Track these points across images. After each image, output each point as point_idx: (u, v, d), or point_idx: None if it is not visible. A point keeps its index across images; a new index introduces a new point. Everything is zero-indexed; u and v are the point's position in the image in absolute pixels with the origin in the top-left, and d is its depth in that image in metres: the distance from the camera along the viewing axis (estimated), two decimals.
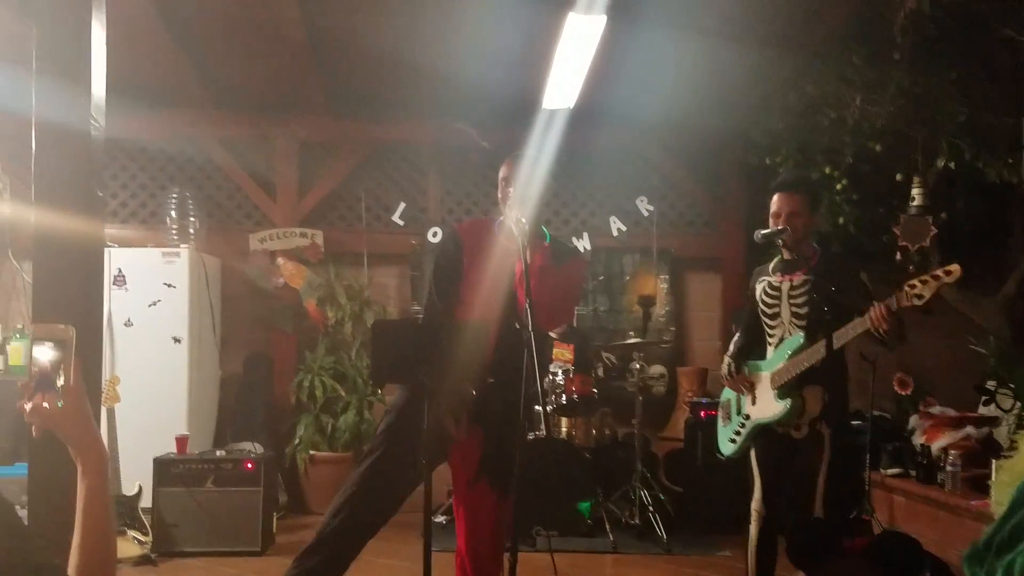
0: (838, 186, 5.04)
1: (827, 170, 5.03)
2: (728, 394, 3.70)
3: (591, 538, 5.24)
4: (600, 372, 6.35)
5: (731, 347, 3.67)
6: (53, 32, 2.40)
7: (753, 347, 3.61)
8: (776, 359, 3.45)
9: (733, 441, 3.59)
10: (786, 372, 3.36)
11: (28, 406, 1.34)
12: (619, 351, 6.33)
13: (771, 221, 3.40)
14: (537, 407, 4.13)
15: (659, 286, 6.63)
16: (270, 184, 6.42)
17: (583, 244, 6.58)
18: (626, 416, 5.83)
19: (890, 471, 5.11)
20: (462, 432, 2.94)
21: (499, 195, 3.11)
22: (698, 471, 5.66)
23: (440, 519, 5.41)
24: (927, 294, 3.03)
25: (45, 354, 1.35)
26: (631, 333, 6.05)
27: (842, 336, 3.17)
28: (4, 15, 3.83)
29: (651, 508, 5.33)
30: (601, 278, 6.67)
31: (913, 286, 3.05)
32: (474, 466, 3.03)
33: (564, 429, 5.62)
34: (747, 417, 3.55)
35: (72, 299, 2.37)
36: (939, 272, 3.05)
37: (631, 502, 5.46)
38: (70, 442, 1.37)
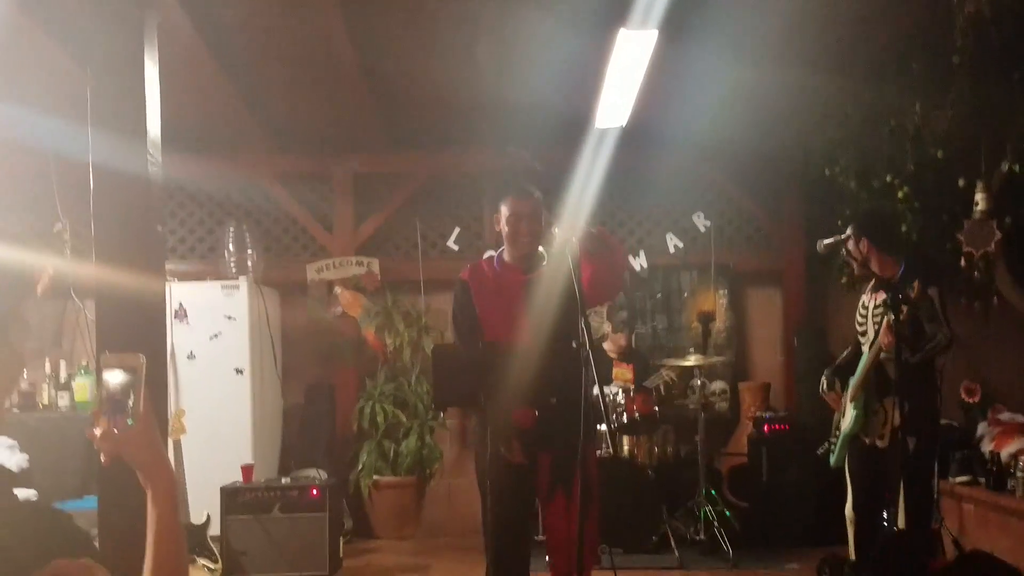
0: (900, 194, 4.91)
1: (888, 178, 4.89)
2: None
3: (657, 555, 5.19)
4: (661, 390, 6.23)
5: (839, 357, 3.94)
6: (107, 76, 2.42)
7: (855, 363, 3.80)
8: (856, 374, 3.68)
9: (832, 452, 3.84)
10: (856, 385, 3.62)
11: (98, 432, 1.33)
12: (680, 369, 6.20)
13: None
14: (601, 426, 4.07)
15: (718, 302, 6.51)
16: (326, 216, 6.51)
17: (639, 262, 6.50)
18: (689, 434, 5.76)
19: (959, 479, 4.95)
20: (516, 456, 2.96)
21: (504, 229, 3.19)
22: (763, 486, 5.55)
23: None
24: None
25: (115, 379, 1.36)
26: (691, 350, 5.93)
27: (872, 356, 3.48)
28: (61, 61, 3.92)
29: (716, 524, 5.27)
30: (659, 296, 6.58)
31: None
32: (547, 487, 3.08)
33: (626, 448, 5.54)
34: (837, 427, 3.80)
35: (135, 334, 2.38)
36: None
37: (696, 518, 5.41)
38: (140, 468, 1.37)
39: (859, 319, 3.74)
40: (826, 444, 3.92)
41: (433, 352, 2.94)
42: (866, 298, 3.72)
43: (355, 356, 6.37)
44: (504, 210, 3.20)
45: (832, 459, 3.85)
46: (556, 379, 2.85)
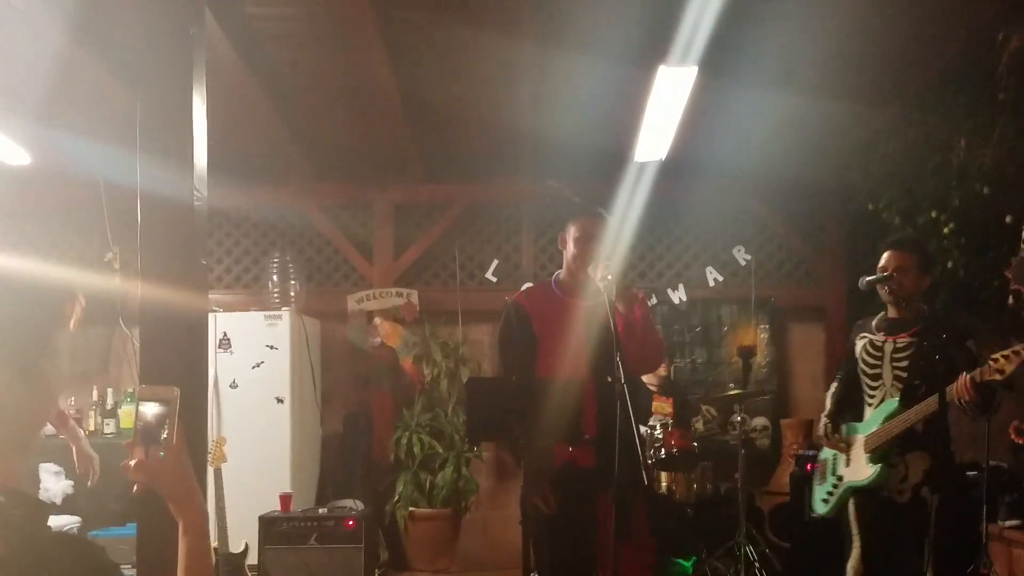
0: (945, 230, 4.83)
1: (933, 214, 4.82)
2: (828, 453, 3.63)
3: None
4: (700, 425, 6.16)
5: (828, 404, 3.61)
6: (157, 105, 2.50)
7: (849, 404, 3.56)
8: (872, 422, 3.41)
9: (826, 501, 3.53)
10: (879, 436, 3.34)
11: (132, 463, 1.37)
12: (719, 403, 6.13)
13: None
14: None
15: (759, 336, 6.43)
16: (367, 246, 6.59)
17: (679, 295, 6.47)
18: (728, 470, 5.65)
19: (1009, 523, 4.80)
20: (552, 508, 2.88)
21: (570, 250, 3.06)
22: (806, 526, 5.40)
23: None
24: (1008, 369, 2.98)
25: (150, 410, 1.39)
26: (731, 385, 5.87)
27: (922, 410, 3.16)
28: (112, 89, 4.03)
29: (757, 564, 5.16)
30: (698, 329, 6.54)
31: (996, 360, 3.00)
32: (612, 529, 2.89)
33: (664, 484, 5.45)
34: (840, 478, 3.49)
35: (178, 363, 2.42)
36: (1021, 347, 2.97)
37: (736, 559, 5.27)
38: (171, 499, 1.40)
39: (868, 359, 3.43)
40: (826, 490, 3.56)
41: (467, 384, 2.91)
42: (877, 338, 3.42)
43: (393, 386, 6.40)
44: (573, 230, 3.09)
45: (825, 509, 3.52)
46: (609, 415, 2.74)
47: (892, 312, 3.42)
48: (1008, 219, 4.60)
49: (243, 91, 4.55)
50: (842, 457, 3.49)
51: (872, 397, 3.42)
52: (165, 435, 1.38)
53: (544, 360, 3.00)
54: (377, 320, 6.32)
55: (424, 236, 6.57)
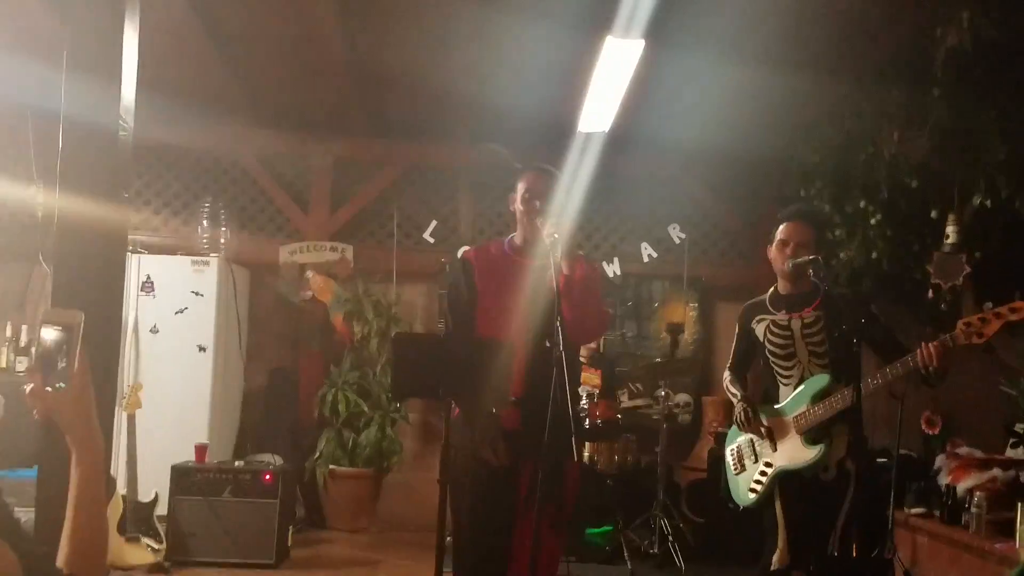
0: (872, 220, 4.94)
1: (862, 204, 4.93)
2: (736, 439, 3.48)
3: (610, 565, 5.20)
4: (625, 398, 6.24)
5: (735, 390, 3.46)
6: (86, 31, 2.38)
7: (742, 384, 3.47)
8: (797, 402, 3.28)
9: (754, 491, 3.34)
10: (815, 416, 3.20)
11: (29, 389, 1.32)
12: (645, 377, 6.22)
13: (776, 249, 3.30)
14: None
15: (688, 314, 6.52)
16: (303, 198, 6.48)
17: (613, 269, 6.52)
18: (650, 444, 5.76)
19: (914, 510, 4.96)
20: (503, 459, 2.86)
21: (517, 207, 3.01)
22: (720, 502, 5.53)
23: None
24: (989, 332, 2.91)
25: (50, 335, 1.33)
26: (658, 360, 5.93)
27: (887, 376, 3.05)
28: (36, 10, 3.83)
29: (671, 538, 5.26)
30: (630, 304, 6.61)
31: (969, 324, 2.92)
32: (529, 498, 2.89)
33: (587, 454, 5.52)
34: (768, 465, 3.32)
35: (91, 297, 2.34)
36: (1004, 309, 2.93)
37: (651, 531, 5.39)
38: (67, 429, 1.35)
39: (776, 340, 3.28)
40: (752, 479, 3.36)
41: (394, 340, 2.86)
42: (779, 317, 3.29)
43: (322, 342, 6.32)
44: (520, 187, 3.03)
45: (753, 499, 3.33)
46: (540, 379, 2.69)
47: (785, 288, 3.31)
48: (933, 213, 4.73)
49: (182, 27, 4.40)
50: (763, 442, 3.33)
51: (787, 378, 3.30)
52: (65, 363, 1.32)
53: (483, 316, 2.98)
54: (309, 273, 6.23)
55: (363, 192, 6.48)
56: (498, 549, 2.92)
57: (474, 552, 2.91)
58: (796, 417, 3.25)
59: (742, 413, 3.34)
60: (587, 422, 5.32)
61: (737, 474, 3.44)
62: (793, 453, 3.25)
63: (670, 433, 5.62)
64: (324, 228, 6.42)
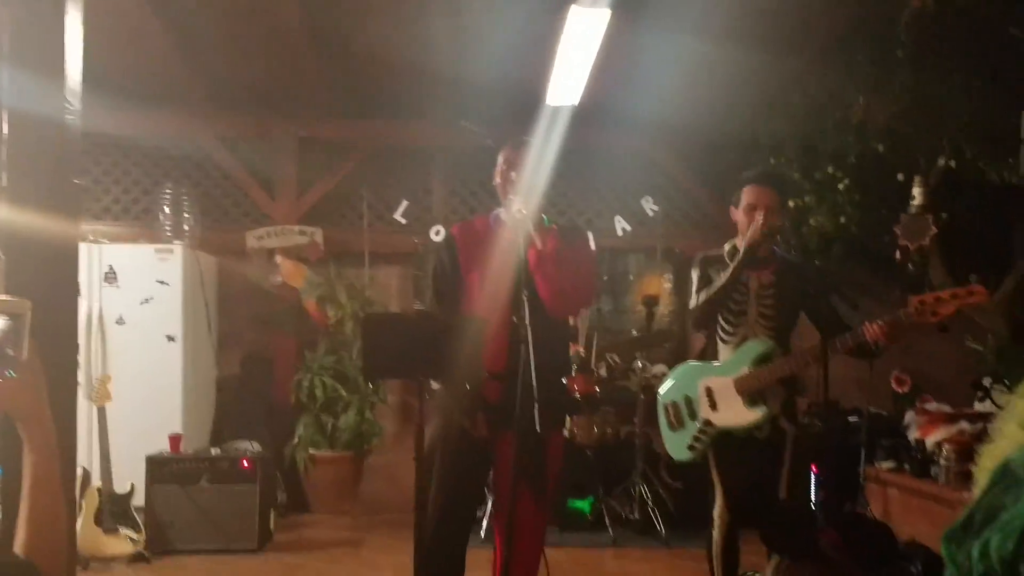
0: (841, 186, 4.98)
1: (830, 170, 4.95)
2: (672, 396, 3.47)
3: (591, 533, 5.30)
4: (603, 372, 6.25)
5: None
6: (27, 16, 2.32)
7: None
8: (738, 363, 3.28)
9: (693, 448, 3.35)
10: (757, 379, 3.21)
11: None
12: (622, 350, 6.23)
13: (744, 213, 3.31)
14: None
15: (663, 286, 6.54)
16: (268, 181, 6.41)
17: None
18: (628, 415, 5.79)
19: (885, 465, 5.11)
20: (480, 430, 2.88)
21: (497, 181, 3.00)
22: (698, 469, 5.59)
23: None
24: (944, 312, 2.94)
25: None
26: (634, 333, 5.96)
27: (836, 348, 3.09)
28: None
29: (651, 504, 5.38)
30: (605, 278, 6.64)
31: (924, 302, 2.94)
32: (509, 471, 2.88)
33: (566, 428, 5.54)
34: (709, 424, 3.32)
35: (45, 289, 2.29)
36: (962, 291, 2.96)
37: (632, 498, 5.50)
38: (16, 416, 1.36)
39: (735, 296, 3.26)
40: (692, 440, 3.35)
41: (364, 321, 2.85)
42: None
43: (295, 327, 6.29)
44: (500, 160, 3.02)
45: (691, 456, 3.36)
46: (518, 352, 2.68)
47: (750, 248, 3.26)
48: (900, 177, 4.76)
49: (131, 7, 4.29)
50: (699, 400, 3.33)
51: (731, 335, 3.30)
52: (13, 352, 1.32)
53: (468, 292, 2.99)
54: (279, 258, 6.16)
55: (330, 174, 6.42)
56: (467, 520, 2.95)
57: (442, 521, 2.91)
58: (738, 379, 3.25)
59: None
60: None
61: (674, 431, 3.43)
62: (735, 413, 3.26)
63: (647, 404, 5.64)
64: (292, 212, 6.35)
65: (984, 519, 1.15)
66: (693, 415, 3.36)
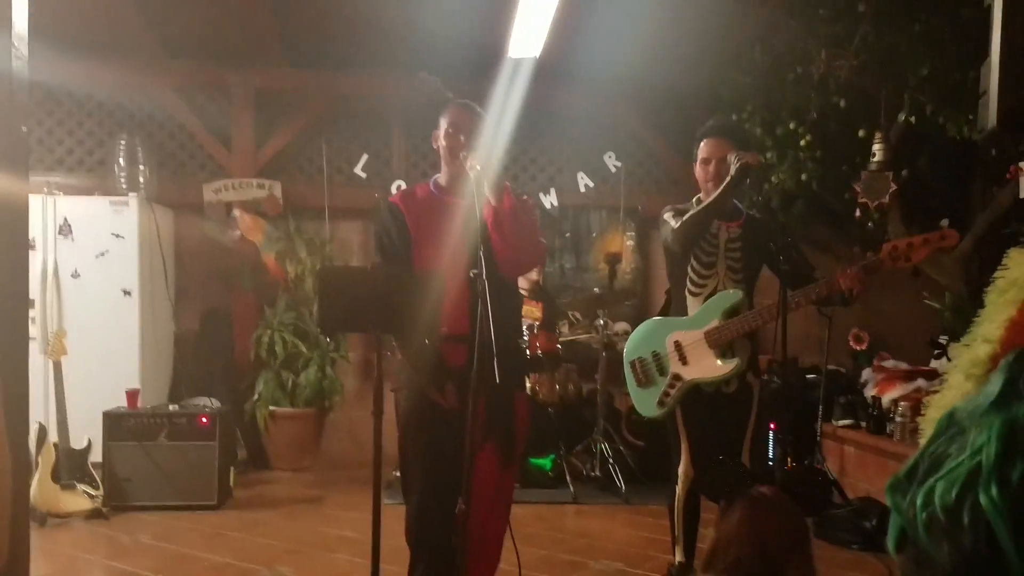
0: (802, 142, 5.01)
1: (792, 126, 4.98)
2: (639, 352, 3.44)
3: (552, 490, 5.34)
4: (565, 329, 6.29)
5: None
6: None
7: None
8: (707, 315, 3.28)
9: (662, 403, 3.35)
10: (729, 330, 3.22)
11: None
12: (584, 308, 6.27)
13: (699, 168, 3.31)
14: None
15: (625, 244, 6.57)
16: (225, 134, 6.29)
17: (550, 200, 6.53)
18: (590, 372, 5.84)
19: (842, 422, 5.20)
20: (452, 401, 2.83)
21: (442, 144, 2.95)
22: (659, 426, 5.68)
23: (396, 474, 5.37)
24: (916, 258, 2.95)
25: None
26: (596, 290, 5.99)
27: (804, 296, 3.09)
28: None
29: (611, 461, 5.43)
30: (568, 235, 6.63)
31: (896, 248, 2.95)
32: (479, 433, 2.79)
33: (528, 385, 5.57)
34: (678, 377, 3.32)
35: None
36: (934, 236, 2.97)
37: (593, 455, 5.55)
38: None
39: (705, 247, 3.26)
40: (660, 391, 3.35)
41: (320, 274, 2.82)
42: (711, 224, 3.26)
43: (254, 282, 6.23)
44: (442, 122, 2.95)
45: (660, 411, 3.36)
46: (471, 316, 2.61)
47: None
48: (861, 132, 4.80)
49: None
50: (668, 355, 3.33)
51: (700, 287, 3.30)
52: None
53: (420, 261, 2.93)
54: (236, 212, 6.09)
55: (288, 126, 6.31)
56: (449, 489, 2.92)
57: (425, 495, 2.88)
58: (709, 331, 3.26)
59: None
60: (527, 354, 5.36)
61: (642, 387, 3.43)
62: (706, 366, 3.27)
63: (609, 361, 5.70)
64: (249, 165, 6.24)
65: (929, 467, 1.17)
66: (662, 370, 3.36)
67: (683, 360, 3.31)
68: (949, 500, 1.09)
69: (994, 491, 1.05)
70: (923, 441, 1.37)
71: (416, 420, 2.91)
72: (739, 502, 2.02)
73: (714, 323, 3.26)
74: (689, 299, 3.32)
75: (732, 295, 3.25)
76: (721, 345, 3.24)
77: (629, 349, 3.52)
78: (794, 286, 3.09)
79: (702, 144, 3.31)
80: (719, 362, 3.25)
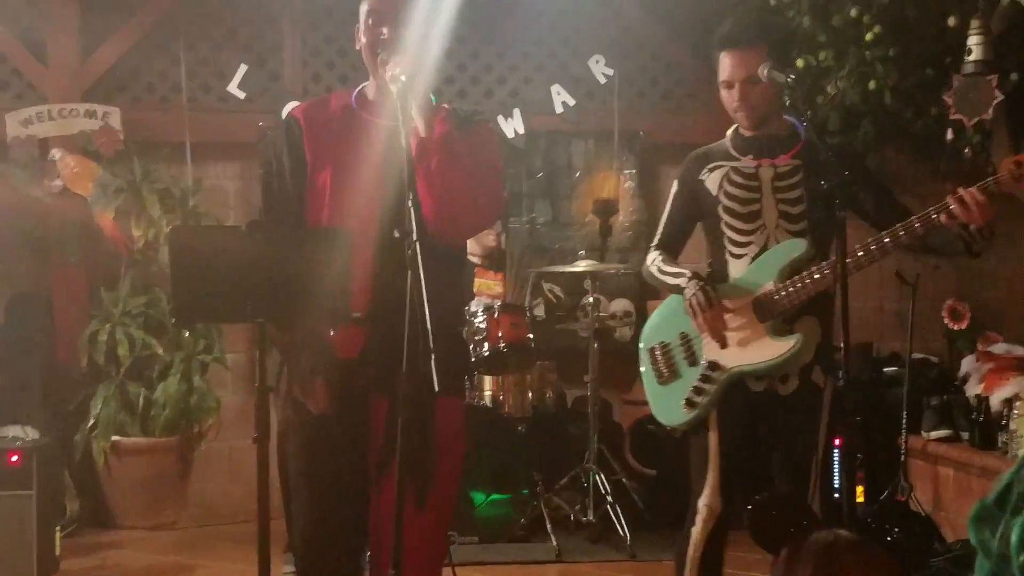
0: (868, 36, 5.03)
1: (854, 13, 5.02)
2: (660, 336, 3.52)
3: (526, 544, 5.41)
4: (540, 311, 6.35)
5: (671, 269, 3.46)
6: None
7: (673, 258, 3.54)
8: (758, 276, 3.31)
9: (692, 403, 3.37)
10: (787, 296, 3.23)
11: None
12: (566, 281, 6.33)
13: (724, 92, 3.36)
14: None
15: (622, 186, 6.62)
16: (37, 39, 6.27)
17: (513, 125, 6.55)
18: (577, 372, 5.90)
19: (935, 434, 5.26)
20: (319, 405, 2.90)
21: (363, 42, 2.99)
22: (677, 446, 5.72)
23: None
24: None
25: None
26: (583, 254, 6.03)
27: (900, 236, 3.11)
28: None
29: (610, 499, 5.48)
30: (540, 176, 6.66)
31: (1021, 163, 2.99)
32: (378, 452, 2.92)
33: (488, 392, 5.64)
34: (715, 366, 3.35)
35: None
36: None
37: (583, 492, 5.58)
38: None
39: (740, 195, 3.32)
40: (692, 392, 3.37)
41: (170, 236, 2.82)
42: (744, 164, 3.34)
43: (84, 255, 6.24)
44: (363, 9, 2.98)
45: (688, 416, 3.37)
46: (393, 288, 2.69)
47: (751, 130, 3.37)
48: (951, 21, 4.86)
49: None
50: (702, 338, 3.37)
51: (743, 247, 3.34)
52: None
53: (316, 199, 2.97)
54: (57, 153, 6.08)
55: (128, 26, 6.30)
56: (340, 530, 2.98)
57: (311, 536, 2.96)
58: (759, 299, 3.29)
59: (699, 294, 3.29)
60: (486, 347, 5.40)
61: (663, 383, 3.48)
62: (754, 348, 3.29)
63: (604, 355, 5.77)
64: (73, 83, 6.25)
65: None
66: (693, 359, 3.40)
67: (722, 342, 3.32)
68: None
69: None
70: (1022, 454, 1.41)
71: (294, 438, 2.96)
72: (808, 553, 2.04)
73: (768, 286, 3.28)
74: (731, 263, 3.37)
75: (794, 245, 3.27)
76: (775, 315, 3.26)
77: (648, 332, 3.59)
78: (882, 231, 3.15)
79: (720, 58, 3.35)
80: (773, 341, 3.27)
